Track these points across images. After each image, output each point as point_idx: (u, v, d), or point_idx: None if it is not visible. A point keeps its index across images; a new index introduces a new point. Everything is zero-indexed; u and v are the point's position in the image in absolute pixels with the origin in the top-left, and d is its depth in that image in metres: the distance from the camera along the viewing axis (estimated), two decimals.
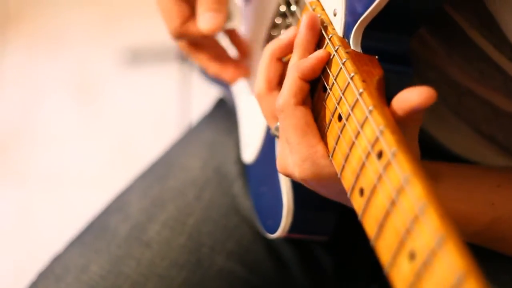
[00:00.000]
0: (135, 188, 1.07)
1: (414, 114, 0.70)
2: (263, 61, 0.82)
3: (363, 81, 0.75)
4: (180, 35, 0.96)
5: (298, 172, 0.76)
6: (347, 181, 0.74)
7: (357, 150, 0.73)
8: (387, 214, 0.68)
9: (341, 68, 0.77)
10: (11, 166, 2.17)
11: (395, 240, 0.67)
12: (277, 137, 0.82)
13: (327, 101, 0.79)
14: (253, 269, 1.02)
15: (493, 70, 0.85)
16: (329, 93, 0.79)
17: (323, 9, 0.84)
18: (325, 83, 0.80)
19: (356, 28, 0.78)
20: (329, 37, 0.80)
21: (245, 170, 1.02)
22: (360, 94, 0.73)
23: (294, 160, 0.76)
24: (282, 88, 0.78)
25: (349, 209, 0.97)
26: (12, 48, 2.40)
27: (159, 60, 2.31)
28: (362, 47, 0.79)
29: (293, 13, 0.90)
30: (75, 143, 2.22)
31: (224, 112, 1.10)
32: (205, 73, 1.10)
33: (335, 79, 0.78)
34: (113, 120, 2.26)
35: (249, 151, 0.99)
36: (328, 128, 0.79)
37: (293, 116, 0.77)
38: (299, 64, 0.77)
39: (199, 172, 1.05)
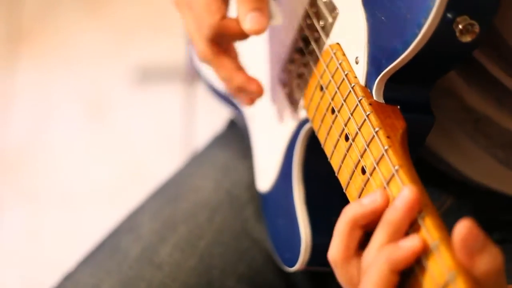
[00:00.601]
0: (146, 209, 1.08)
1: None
2: (343, 227, 0.75)
3: (388, 137, 0.76)
4: (218, 32, 0.91)
5: None
6: None
7: None
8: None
9: (365, 120, 0.78)
10: (21, 183, 2.19)
11: None
12: None
13: (349, 151, 0.81)
14: None
15: (510, 98, 0.86)
16: (351, 143, 0.80)
17: (344, 55, 0.84)
18: (347, 132, 0.81)
19: (379, 80, 0.79)
20: (352, 86, 0.81)
21: (260, 198, 1.03)
22: (386, 151, 0.75)
23: None
24: (368, 279, 0.70)
25: None
26: (23, 66, 2.40)
27: (169, 78, 2.32)
28: (385, 98, 0.80)
29: (311, 52, 0.91)
30: (85, 160, 2.25)
31: (236, 134, 1.11)
32: (215, 91, 1.11)
33: (359, 129, 0.79)
34: (123, 138, 2.28)
35: (264, 180, 1.00)
36: (350, 179, 0.80)
37: None
38: (390, 256, 0.69)
39: (211, 194, 1.06)
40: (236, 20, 0.91)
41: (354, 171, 0.79)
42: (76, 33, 2.49)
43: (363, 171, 0.78)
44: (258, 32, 0.89)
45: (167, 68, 2.31)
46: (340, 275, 0.76)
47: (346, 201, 0.84)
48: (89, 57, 2.44)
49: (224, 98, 1.11)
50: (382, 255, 0.70)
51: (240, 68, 0.95)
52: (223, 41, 0.93)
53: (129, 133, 2.28)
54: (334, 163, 0.83)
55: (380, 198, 0.73)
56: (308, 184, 0.92)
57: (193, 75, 1.36)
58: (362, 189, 0.78)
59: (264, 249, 1.03)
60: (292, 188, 0.93)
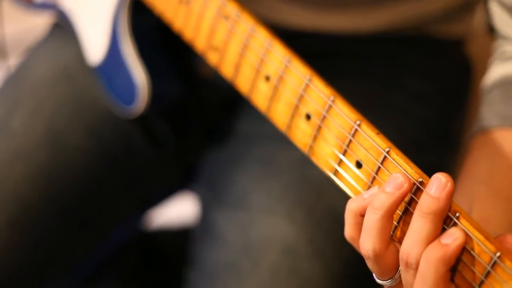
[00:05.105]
0: None
1: None
2: (378, 220, 0.77)
3: None
4: None
5: None
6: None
7: (209, 13, 1.02)
8: (241, 57, 0.97)
9: None
10: None
11: (252, 72, 0.96)
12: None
13: None
14: (104, 143, 1.25)
15: None
16: None
17: None
18: None
19: None
20: None
21: (95, 70, 1.25)
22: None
23: None
24: (424, 281, 0.74)
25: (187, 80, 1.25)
26: None
27: None
28: None
29: None
30: None
31: (61, 30, 1.32)
32: (30, 4, 1.33)
33: None
34: None
35: (96, 53, 1.22)
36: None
37: None
38: (445, 257, 0.73)
39: (49, 72, 1.27)
40: None
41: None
42: None
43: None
44: None
45: None
46: (381, 265, 0.79)
47: (173, 46, 1.10)
48: None
49: (41, 6, 1.32)
50: (435, 256, 0.74)
51: None
52: None
53: None
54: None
55: (401, 188, 0.77)
56: (137, 39, 1.17)
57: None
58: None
59: (103, 109, 1.25)
60: (124, 46, 1.16)
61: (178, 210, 1.68)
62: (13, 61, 1.40)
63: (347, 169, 0.85)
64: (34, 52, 1.32)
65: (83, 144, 1.24)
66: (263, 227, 1.16)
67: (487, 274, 0.71)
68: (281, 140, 0.97)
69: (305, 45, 1.07)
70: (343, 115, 0.85)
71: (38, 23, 1.43)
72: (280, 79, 0.92)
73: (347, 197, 0.85)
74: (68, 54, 1.28)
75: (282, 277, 1.12)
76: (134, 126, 1.26)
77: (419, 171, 0.78)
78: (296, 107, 0.91)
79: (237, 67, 0.99)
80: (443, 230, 0.75)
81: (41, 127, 1.23)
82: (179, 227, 1.69)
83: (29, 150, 1.22)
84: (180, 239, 1.57)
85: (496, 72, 0.99)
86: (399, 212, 0.78)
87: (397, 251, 0.78)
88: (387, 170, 0.80)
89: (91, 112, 1.25)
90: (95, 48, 1.23)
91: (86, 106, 1.25)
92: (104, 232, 1.27)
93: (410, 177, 0.77)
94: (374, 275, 0.81)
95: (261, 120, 0.99)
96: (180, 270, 1.28)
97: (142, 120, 1.26)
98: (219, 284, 1.16)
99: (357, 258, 0.87)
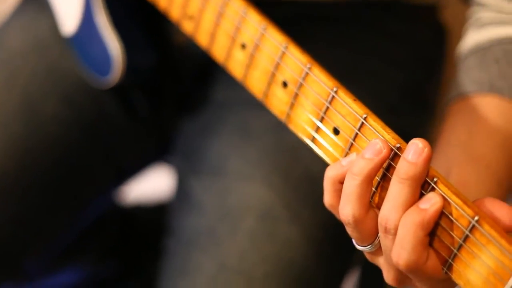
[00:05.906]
0: None
1: None
2: (357, 186, 0.77)
3: None
4: None
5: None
6: None
7: None
8: (216, 25, 0.97)
9: None
10: None
11: (227, 40, 0.96)
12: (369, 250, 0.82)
13: None
14: (79, 112, 1.25)
15: None
16: None
17: None
18: None
19: None
20: None
21: (68, 41, 1.24)
22: None
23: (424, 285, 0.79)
24: (402, 246, 0.74)
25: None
26: None
27: None
28: None
29: None
30: None
31: (34, 2, 1.31)
32: None
33: None
34: None
35: (69, 24, 1.21)
36: None
37: (426, 273, 0.75)
38: (423, 221, 0.73)
39: (22, 44, 1.27)
40: None
41: None
42: None
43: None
44: None
45: None
46: (361, 231, 0.79)
47: (147, 15, 1.10)
48: None
49: None
50: (413, 221, 0.74)
51: None
52: None
53: None
54: None
55: (382, 152, 0.77)
56: (111, 9, 1.16)
57: None
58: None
59: (77, 78, 1.25)
60: (97, 17, 1.16)
61: (155, 184, 1.68)
62: None
63: (325, 136, 0.85)
64: (6, 23, 1.31)
65: (58, 113, 1.23)
66: (240, 192, 1.17)
67: (466, 238, 0.71)
68: (255, 105, 0.98)
69: (281, 12, 1.07)
70: (320, 82, 0.85)
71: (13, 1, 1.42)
72: (256, 47, 0.93)
73: (323, 160, 0.86)
74: (40, 25, 1.28)
75: (260, 241, 1.13)
76: (109, 95, 1.26)
77: (397, 136, 0.78)
78: (273, 75, 0.91)
79: (213, 36, 0.98)
80: (421, 195, 0.76)
81: (16, 97, 1.23)
82: (156, 201, 1.69)
83: (3, 120, 1.21)
84: (157, 212, 1.58)
85: (471, 38, 1.00)
86: (377, 178, 0.79)
87: (376, 217, 0.78)
88: (365, 136, 0.80)
89: (65, 81, 1.25)
90: (68, 19, 1.22)
91: (60, 75, 1.25)
92: (82, 201, 1.28)
93: (388, 143, 0.78)
94: (353, 241, 0.82)
95: (236, 87, 0.99)
96: (158, 242, 1.29)
97: (117, 89, 1.25)
98: (197, 250, 1.17)
99: (335, 222, 0.88)
